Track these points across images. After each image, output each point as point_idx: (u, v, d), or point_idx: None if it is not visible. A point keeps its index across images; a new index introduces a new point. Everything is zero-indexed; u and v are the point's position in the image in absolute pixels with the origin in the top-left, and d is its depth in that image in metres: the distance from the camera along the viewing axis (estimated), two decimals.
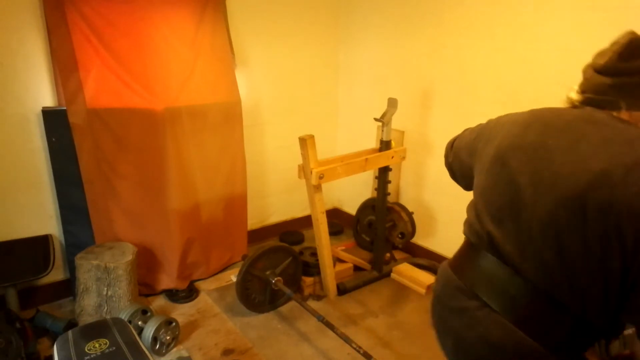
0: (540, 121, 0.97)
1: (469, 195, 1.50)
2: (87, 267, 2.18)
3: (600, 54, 0.97)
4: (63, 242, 2.46)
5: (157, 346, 2.09)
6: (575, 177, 0.85)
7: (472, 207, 1.08)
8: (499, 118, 1.11)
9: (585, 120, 0.91)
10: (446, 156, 1.32)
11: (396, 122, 2.75)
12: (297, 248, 2.71)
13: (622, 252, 0.80)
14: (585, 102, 0.95)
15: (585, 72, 0.99)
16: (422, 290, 2.66)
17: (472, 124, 1.25)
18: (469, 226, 1.08)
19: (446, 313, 1.08)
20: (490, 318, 0.95)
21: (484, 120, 1.19)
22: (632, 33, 0.92)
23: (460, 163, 1.22)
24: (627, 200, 0.78)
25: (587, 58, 1.26)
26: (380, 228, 2.73)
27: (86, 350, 1.48)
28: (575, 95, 0.98)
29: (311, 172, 2.28)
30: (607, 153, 0.83)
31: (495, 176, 1.00)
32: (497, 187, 0.99)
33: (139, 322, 2.13)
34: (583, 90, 0.97)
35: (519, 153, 0.95)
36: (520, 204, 0.93)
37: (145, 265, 2.57)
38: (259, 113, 3.08)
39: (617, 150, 0.83)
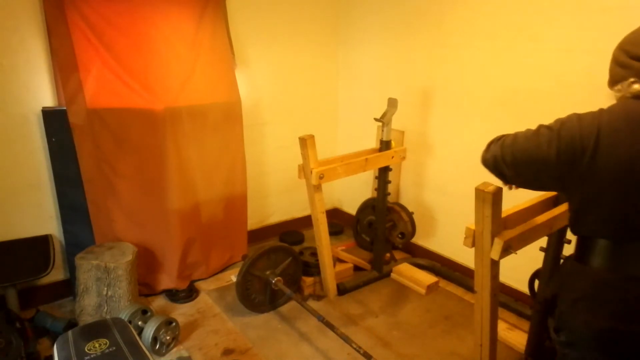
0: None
1: (470, 196, 1.50)
2: (87, 267, 2.18)
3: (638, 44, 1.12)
4: (63, 242, 2.46)
5: (157, 346, 2.09)
6: None
7: (595, 214, 1.14)
8: (580, 124, 1.15)
9: None
10: (499, 167, 1.29)
11: (396, 122, 2.75)
12: (297, 248, 2.71)
13: None
14: None
15: (631, 65, 1.12)
16: (422, 290, 2.66)
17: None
18: (606, 224, 1.15)
19: (630, 303, 1.12)
20: None
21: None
22: None
23: (535, 175, 1.24)
24: None
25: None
26: (380, 228, 2.73)
27: (86, 350, 1.48)
28: (639, 86, 1.11)
29: (311, 172, 2.28)
30: None
31: (621, 183, 1.08)
32: (625, 189, 1.08)
33: (139, 322, 2.13)
34: None
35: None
36: None
37: (145, 265, 2.57)
38: (259, 113, 3.08)
39: None
